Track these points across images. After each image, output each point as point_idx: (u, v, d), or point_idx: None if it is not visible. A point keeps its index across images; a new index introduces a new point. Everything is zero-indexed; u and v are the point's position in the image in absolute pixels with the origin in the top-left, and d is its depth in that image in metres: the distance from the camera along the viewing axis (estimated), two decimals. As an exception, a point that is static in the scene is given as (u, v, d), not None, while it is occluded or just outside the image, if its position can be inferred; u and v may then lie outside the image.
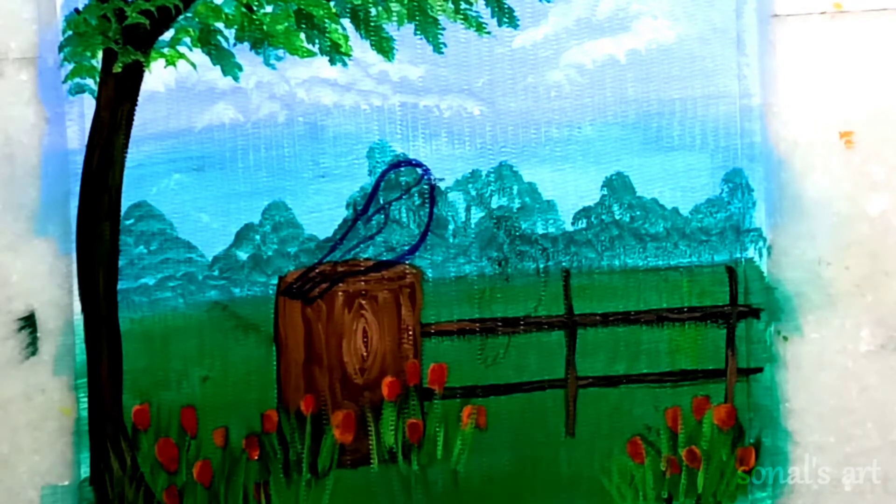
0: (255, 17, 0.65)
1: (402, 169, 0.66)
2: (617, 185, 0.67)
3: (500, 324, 0.67)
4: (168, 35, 0.65)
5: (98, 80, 0.65)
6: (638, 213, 0.67)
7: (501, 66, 0.66)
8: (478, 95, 0.66)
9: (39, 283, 0.66)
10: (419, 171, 0.66)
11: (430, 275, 0.67)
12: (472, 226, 0.67)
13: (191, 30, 0.65)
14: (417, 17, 0.66)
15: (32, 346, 0.66)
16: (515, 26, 0.66)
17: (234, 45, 0.66)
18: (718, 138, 0.67)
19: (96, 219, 0.65)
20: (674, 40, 0.66)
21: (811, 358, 0.67)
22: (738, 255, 0.67)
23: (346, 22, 0.66)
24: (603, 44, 0.66)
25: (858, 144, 0.67)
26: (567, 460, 0.67)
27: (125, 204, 0.66)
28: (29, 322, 0.66)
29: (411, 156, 0.66)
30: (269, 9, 0.65)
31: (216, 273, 0.66)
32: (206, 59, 0.65)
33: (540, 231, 0.67)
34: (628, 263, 0.67)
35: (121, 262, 0.66)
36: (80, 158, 0.65)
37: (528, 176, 0.67)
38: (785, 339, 0.67)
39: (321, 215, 0.66)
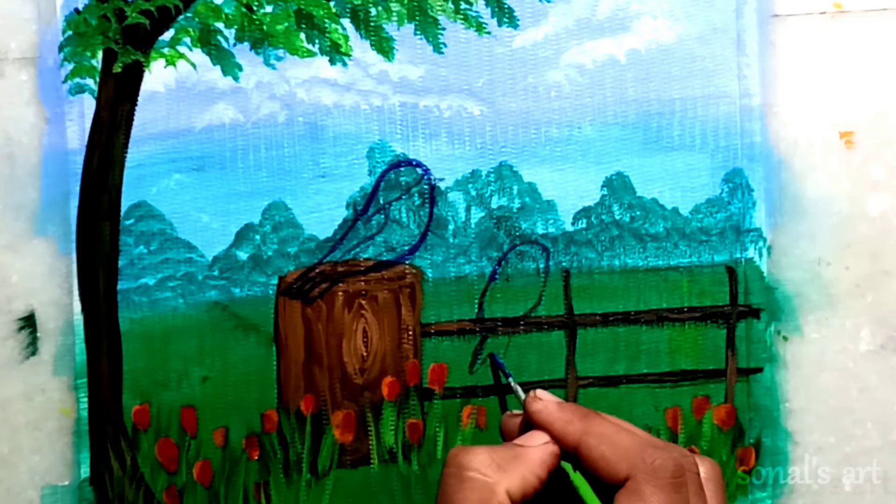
0: (255, 17, 0.65)
1: (402, 169, 0.66)
2: (617, 185, 0.67)
3: (500, 324, 0.67)
4: (168, 35, 0.65)
5: (98, 80, 0.65)
6: (638, 213, 0.67)
7: (501, 66, 0.66)
8: (478, 95, 0.66)
9: (39, 283, 0.66)
10: (419, 171, 0.66)
11: (430, 275, 0.67)
12: (472, 226, 0.67)
13: (191, 30, 0.65)
14: (417, 17, 0.66)
15: (32, 346, 0.66)
16: (515, 26, 0.66)
17: (234, 45, 0.66)
18: (718, 138, 0.67)
19: (96, 219, 0.65)
20: (674, 40, 0.66)
21: (811, 358, 0.67)
22: (738, 255, 0.67)
23: (346, 22, 0.66)
24: (603, 44, 0.66)
25: (858, 144, 0.67)
26: (567, 460, 0.67)
27: (125, 204, 0.66)
28: (29, 322, 0.66)
29: (411, 156, 0.66)
30: (269, 9, 0.65)
31: (216, 273, 0.66)
32: (206, 59, 0.65)
33: (540, 231, 0.67)
34: (628, 263, 0.67)
35: (121, 262, 0.66)
36: (80, 158, 0.65)
37: (528, 176, 0.67)
38: (785, 339, 0.67)
39: (321, 215, 0.66)
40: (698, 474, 0.48)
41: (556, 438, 0.49)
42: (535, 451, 0.49)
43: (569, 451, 0.49)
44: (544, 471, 0.49)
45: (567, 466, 0.49)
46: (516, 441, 0.50)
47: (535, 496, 0.48)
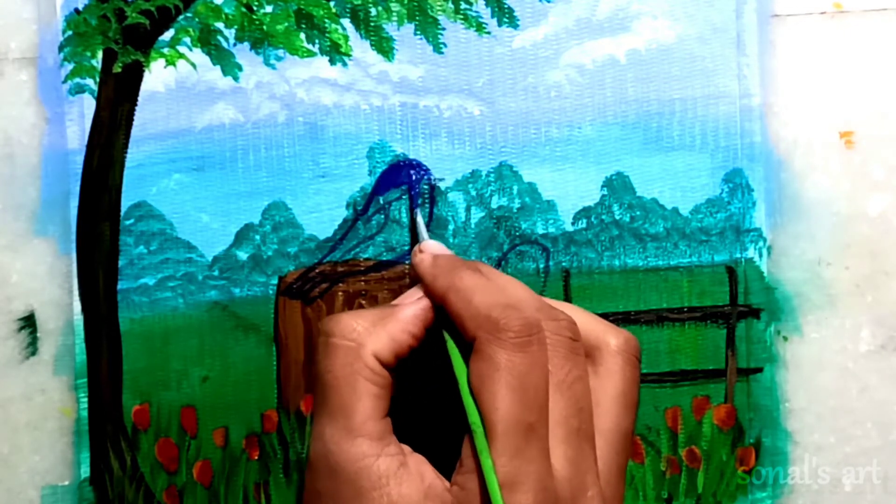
0: (255, 17, 0.65)
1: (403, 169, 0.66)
2: (617, 185, 0.67)
3: (500, 324, 0.67)
4: (168, 35, 0.65)
5: (98, 80, 0.65)
6: (638, 213, 0.67)
7: (501, 66, 0.66)
8: (478, 95, 0.66)
9: (39, 283, 0.66)
10: (419, 171, 0.66)
11: (430, 275, 0.67)
12: (472, 226, 0.67)
13: (191, 30, 0.65)
14: (417, 17, 0.66)
15: (32, 346, 0.66)
16: (515, 26, 0.66)
17: (234, 45, 0.66)
18: (718, 138, 0.67)
19: (96, 219, 0.65)
20: (674, 40, 0.66)
21: (811, 358, 0.67)
22: (738, 255, 0.67)
23: (346, 22, 0.66)
24: (603, 44, 0.66)
25: (858, 144, 0.67)
26: (567, 460, 0.67)
27: (125, 204, 0.66)
28: (29, 322, 0.66)
29: (411, 156, 0.66)
30: (269, 9, 0.65)
31: (216, 273, 0.66)
32: (206, 59, 0.66)
33: (540, 231, 0.67)
34: (628, 263, 0.67)
35: (121, 262, 0.66)
36: (80, 158, 0.65)
37: (528, 176, 0.67)
38: (785, 339, 0.67)
39: (321, 215, 0.66)
40: (571, 338, 0.46)
41: (426, 294, 0.48)
42: (408, 308, 0.47)
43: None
44: (418, 327, 0.47)
45: (443, 329, 0.47)
46: (396, 300, 0.48)
47: (419, 354, 0.47)
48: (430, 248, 0.50)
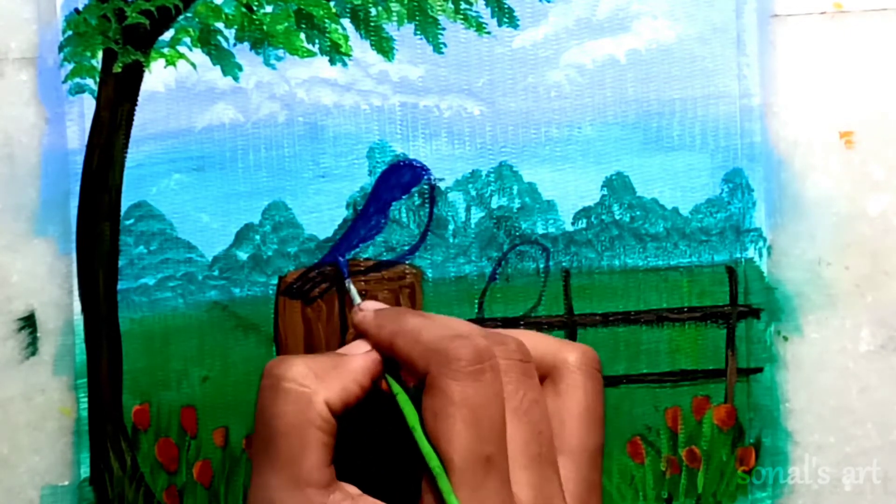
0: (255, 17, 0.65)
1: (402, 169, 0.66)
2: (617, 185, 0.67)
3: (500, 324, 0.67)
4: (168, 35, 0.65)
5: (98, 80, 0.65)
6: (638, 213, 0.67)
7: (501, 66, 0.66)
8: (478, 95, 0.66)
9: (39, 283, 0.66)
10: (419, 171, 0.66)
11: (430, 275, 0.67)
12: (472, 226, 0.67)
13: (191, 30, 0.65)
14: (417, 17, 0.66)
15: (32, 346, 0.66)
16: (515, 26, 0.66)
17: (234, 45, 0.66)
18: (718, 138, 0.67)
19: (96, 219, 0.65)
20: (674, 40, 0.66)
21: (811, 358, 0.68)
22: (738, 255, 0.67)
23: (346, 22, 0.66)
24: (603, 44, 0.66)
25: (858, 144, 0.67)
26: (567, 460, 0.67)
27: (125, 204, 0.66)
28: (29, 322, 0.66)
29: (411, 156, 0.66)
30: (269, 9, 0.65)
31: (216, 273, 0.66)
32: (206, 59, 0.66)
33: (540, 231, 0.67)
34: (628, 263, 0.67)
35: (121, 262, 0.66)
36: (80, 158, 0.65)
37: (528, 176, 0.67)
38: (785, 339, 0.67)
39: (321, 215, 0.66)
40: (522, 360, 0.46)
41: (374, 347, 0.48)
42: (357, 359, 0.48)
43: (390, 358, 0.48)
44: (367, 379, 0.47)
45: (389, 377, 0.48)
46: (340, 350, 0.49)
47: (363, 405, 0.47)
48: (370, 305, 0.50)
